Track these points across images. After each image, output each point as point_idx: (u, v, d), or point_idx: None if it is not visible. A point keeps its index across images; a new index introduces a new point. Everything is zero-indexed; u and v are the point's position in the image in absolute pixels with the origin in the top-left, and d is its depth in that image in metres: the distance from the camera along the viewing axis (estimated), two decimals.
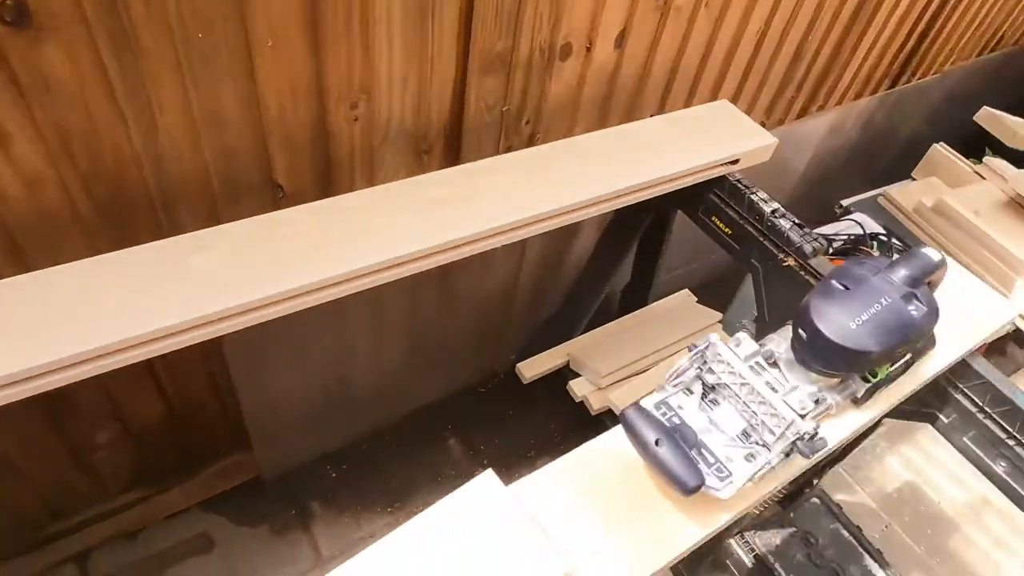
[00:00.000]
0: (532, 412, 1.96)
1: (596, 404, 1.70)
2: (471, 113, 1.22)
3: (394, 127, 1.15)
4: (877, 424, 1.52)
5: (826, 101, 2.08)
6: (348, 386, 1.65)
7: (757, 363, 0.80)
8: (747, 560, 1.50)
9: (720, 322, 1.92)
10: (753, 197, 1.31)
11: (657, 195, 1.25)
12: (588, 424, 1.76)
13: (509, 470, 1.84)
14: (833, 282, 0.84)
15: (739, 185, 1.33)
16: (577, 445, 0.85)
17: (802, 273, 1.26)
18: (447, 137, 1.25)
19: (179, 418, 1.41)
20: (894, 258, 0.86)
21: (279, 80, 0.97)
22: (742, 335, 0.81)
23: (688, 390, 0.85)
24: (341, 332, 1.48)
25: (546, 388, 1.86)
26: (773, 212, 1.29)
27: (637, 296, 1.97)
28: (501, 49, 1.15)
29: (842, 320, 0.80)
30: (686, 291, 2.03)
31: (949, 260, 1.20)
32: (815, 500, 1.62)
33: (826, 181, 2.46)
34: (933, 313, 0.82)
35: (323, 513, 1.71)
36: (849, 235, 1.92)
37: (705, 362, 0.83)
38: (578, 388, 1.73)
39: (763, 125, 1.86)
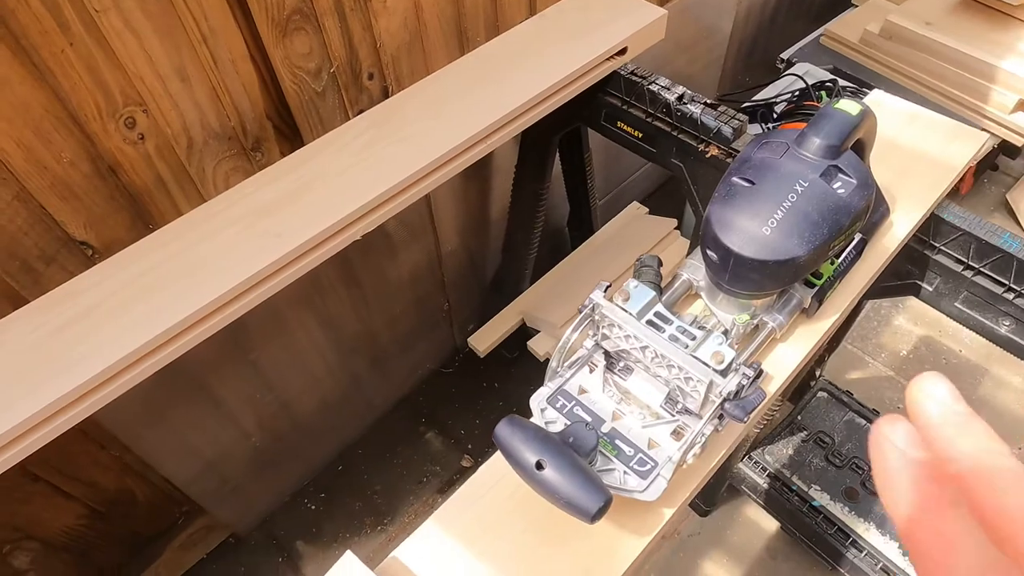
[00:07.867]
0: (507, 380, 1.80)
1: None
2: (290, 88, 1.01)
3: (197, 133, 0.94)
4: (858, 308, 1.34)
5: None
6: (290, 415, 1.49)
7: (657, 314, 0.61)
8: (761, 482, 1.35)
9: (678, 228, 1.73)
10: (653, 88, 1.10)
11: (534, 123, 1.04)
12: None
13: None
14: (734, 179, 0.65)
15: (634, 78, 1.12)
16: None
17: (730, 161, 1.06)
18: (277, 124, 1.04)
19: (106, 514, 1.26)
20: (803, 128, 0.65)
21: (4, 121, 0.76)
22: (631, 284, 0.63)
23: (592, 363, 0.67)
24: (253, 372, 1.30)
25: (517, 348, 1.70)
26: (679, 99, 1.08)
27: (583, 226, 1.77)
28: None
29: (751, 228, 0.61)
30: (634, 204, 1.83)
31: (896, 99, 0.99)
32: (821, 394, 1.46)
33: (763, 37, 2.21)
34: (865, 184, 0.62)
35: (311, 551, 1.58)
36: (792, 92, 1.69)
37: (598, 328, 0.65)
38: (538, 346, 1.56)
39: None
